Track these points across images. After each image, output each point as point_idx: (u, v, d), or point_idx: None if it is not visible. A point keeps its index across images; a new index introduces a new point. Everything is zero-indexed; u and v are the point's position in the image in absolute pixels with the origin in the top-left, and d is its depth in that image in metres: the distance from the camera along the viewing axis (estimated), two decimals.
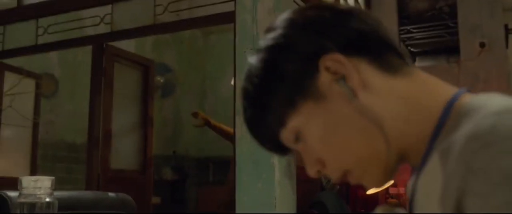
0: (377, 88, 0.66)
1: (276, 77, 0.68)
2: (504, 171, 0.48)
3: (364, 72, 0.66)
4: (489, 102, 0.57)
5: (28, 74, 4.48)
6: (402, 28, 5.28)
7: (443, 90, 0.65)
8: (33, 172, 4.57)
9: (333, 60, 0.65)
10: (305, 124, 0.68)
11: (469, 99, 0.62)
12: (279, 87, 0.67)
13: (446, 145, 0.57)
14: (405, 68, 0.68)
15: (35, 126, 4.66)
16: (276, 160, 2.92)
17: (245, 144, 2.98)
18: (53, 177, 0.94)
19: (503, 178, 0.48)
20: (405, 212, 0.69)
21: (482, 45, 4.30)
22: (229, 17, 3.24)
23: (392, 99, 0.66)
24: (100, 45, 3.91)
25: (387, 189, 4.69)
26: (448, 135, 0.58)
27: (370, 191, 4.21)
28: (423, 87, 0.67)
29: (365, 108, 0.65)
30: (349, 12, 0.70)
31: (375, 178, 0.69)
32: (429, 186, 0.60)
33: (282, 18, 0.72)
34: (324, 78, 0.66)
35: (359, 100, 0.65)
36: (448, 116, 0.61)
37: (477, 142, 0.51)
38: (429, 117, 0.63)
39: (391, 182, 4.54)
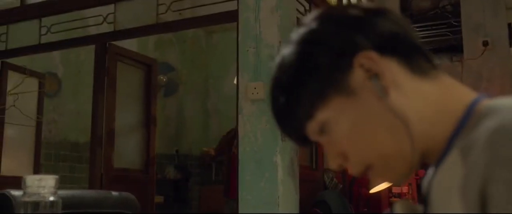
0: (406, 89, 0.67)
1: (310, 70, 0.69)
2: None
3: (395, 72, 0.68)
4: (509, 103, 0.60)
5: (31, 73, 4.49)
6: None
7: (466, 94, 0.67)
8: (37, 171, 4.58)
9: (367, 58, 0.67)
10: (333, 118, 0.69)
11: (489, 102, 0.63)
12: (311, 80, 0.68)
13: (467, 142, 0.59)
14: (433, 71, 0.70)
15: (38, 125, 4.67)
16: (279, 159, 2.92)
17: (248, 143, 2.98)
18: (57, 176, 0.94)
19: None
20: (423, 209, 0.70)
21: (485, 44, 4.29)
22: (232, 16, 3.24)
23: (419, 101, 0.67)
24: (103, 44, 3.91)
25: (389, 188, 4.69)
26: (468, 134, 0.60)
27: (373, 190, 4.21)
28: (448, 91, 0.68)
29: (394, 107, 0.66)
30: (382, 12, 0.71)
31: (397, 175, 0.71)
32: (449, 180, 0.61)
33: (316, 14, 0.73)
34: (357, 75, 0.67)
35: (390, 99, 0.66)
36: (469, 118, 0.62)
37: (503, 134, 0.53)
38: (451, 119, 0.64)
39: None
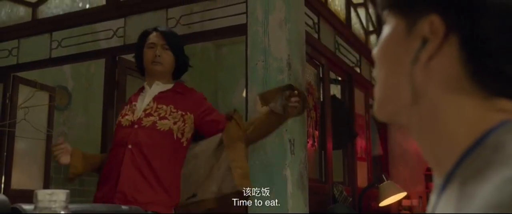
0: (440, 81, 0.60)
1: None
2: None
3: (447, 60, 0.59)
4: None
5: (42, 87, 4.53)
6: None
7: (492, 120, 0.58)
8: (47, 184, 4.60)
9: (434, 23, 0.59)
10: (388, 25, 0.66)
11: (508, 133, 0.55)
12: None
13: (469, 178, 0.54)
14: (493, 96, 0.58)
15: (49, 138, 4.69)
16: (288, 173, 2.91)
17: (257, 157, 2.98)
18: (68, 191, 0.94)
19: None
20: None
21: None
22: (241, 30, 3.26)
23: (446, 107, 0.60)
24: (113, 58, 3.94)
25: (400, 201, 4.66)
26: (472, 163, 0.56)
27: (383, 204, 4.18)
28: (481, 111, 0.59)
29: (413, 76, 0.62)
30: None
31: (376, 105, 0.68)
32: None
33: None
34: (423, 24, 0.60)
35: (414, 68, 0.61)
36: (477, 147, 0.56)
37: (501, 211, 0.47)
38: (462, 144, 0.58)
39: (404, 193, 4.48)
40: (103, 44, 4.15)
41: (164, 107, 2.46)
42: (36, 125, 4.35)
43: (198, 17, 3.81)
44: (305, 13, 3.49)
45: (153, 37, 2.61)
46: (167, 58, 2.58)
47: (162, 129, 2.41)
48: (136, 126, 2.44)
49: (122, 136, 2.46)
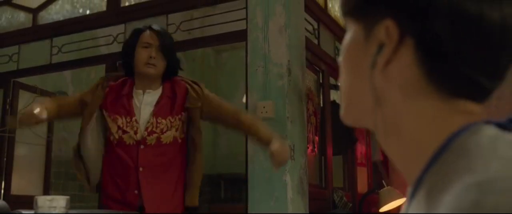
0: (399, 88, 0.60)
1: None
2: None
3: (403, 64, 0.59)
4: (486, 156, 0.51)
5: (42, 93, 4.53)
6: None
7: (456, 124, 0.58)
8: (46, 190, 4.59)
9: (389, 28, 0.59)
10: (349, 31, 0.66)
11: (467, 137, 0.55)
12: None
13: (432, 185, 0.54)
14: (457, 97, 0.58)
15: (49, 143, 4.70)
16: (288, 178, 2.91)
17: (257, 162, 2.98)
18: (68, 197, 0.95)
19: None
20: None
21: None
22: (241, 36, 3.26)
23: (404, 110, 0.60)
24: (113, 63, 3.94)
25: (400, 207, 4.65)
26: (438, 170, 0.55)
27: (383, 209, 4.18)
28: (444, 116, 0.59)
29: (372, 81, 0.61)
30: None
31: (349, 116, 0.68)
32: None
33: None
34: (379, 29, 0.61)
35: (372, 73, 0.61)
36: (442, 153, 0.55)
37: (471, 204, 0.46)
38: (429, 150, 0.57)
39: (404, 199, 4.50)
40: (104, 50, 4.16)
41: (164, 121, 2.38)
42: (36, 131, 4.35)
43: (198, 23, 3.82)
44: (305, 19, 3.50)
45: (147, 36, 2.44)
46: (160, 61, 2.42)
47: (167, 142, 2.38)
48: (142, 146, 2.36)
49: (130, 156, 2.36)
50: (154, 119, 2.38)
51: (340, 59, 0.68)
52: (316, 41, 3.82)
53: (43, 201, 0.89)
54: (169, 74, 2.48)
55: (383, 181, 4.27)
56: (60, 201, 0.90)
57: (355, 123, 0.68)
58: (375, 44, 0.61)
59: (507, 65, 0.60)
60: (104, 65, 4.02)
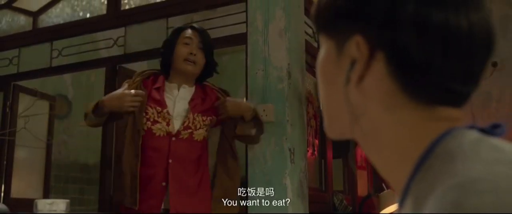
0: (376, 99, 0.60)
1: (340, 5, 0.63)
2: None
3: (378, 78, 0.59)
4: (469, 158, 0.51)
5: (42, 96, 4.54)
6: None
7: (438, 129, 0.57)
8: (46, 193, 4.59)
9: (359, 43, 0.60)
10: (322, 46, 0.67)
11: (450, 141, 0.55)
12: (341, 11, 0.63)
13: (419, 192, 0.54)
14: (434, 103, 0.59)
15: (48, 147, 4.69)
16: (288, 181, 2.91)
17: (257, 165, 2.97)
18: (68, 200, 0.95)
19: None
20: None
21: (494, 64, 4.28)
22: (240, 39, 3.27)
23: (385, 123, 0.60)
24: (113, 67, 3.95)
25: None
26: (422, 179, 0.55)
27: (383, 212, 4.17)
28: (424, 124, 0.58)
29: (347, 97, 0.62)
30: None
31: (331, 131, 0.69)
32: None
33: None
34: (350, 45, 0.61)
35: (347, 89, 0.62)
36: (427, 158, 0.55)
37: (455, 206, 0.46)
38: (412, 158, 0.57)
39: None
40: (104, 53, 4.16)
41: (199, 117, 2.40)
42: (36, 134, 4.35)
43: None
44: (305, 22, 3.50)
45: (188, 33, 2.47)
46: (200, 58, 2.45)
47: (198, 139, 2.38)
48: (173, 139, 2.35)
49: (159, 147, 2.35)
50: (192, 115, 2.39)
51: (317, 75, 0.69)
52: (316, 45, 3.82)
53: (43, 204, 0.90)
54: (205, 75, 2.52)
55: (383, 184, 4.27)
56: (60, 204, 0.91)
57: (339, 136, 0.68)
58: (347, 60, 0.62)
59: (481, 70, 0.60)
60: (104, 69, 4.02)
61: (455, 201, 0.45)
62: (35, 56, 4.33)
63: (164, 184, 2.31)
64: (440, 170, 0.52)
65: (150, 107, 2.37)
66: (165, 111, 2.37)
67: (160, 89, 2.44)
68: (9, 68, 4.39)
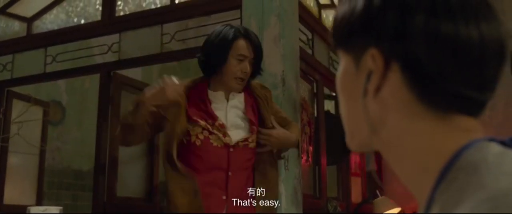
0: (394, 109, 0.62)
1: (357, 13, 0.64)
2: None
3: (394, 89, 0.61)
4: (494, 171, 0.53)
5: (36, 102, 4.52)
6: None
7: (459, 140, 0.59)
8: (39, 199, 4.57)
9: (374, 56, 0.62)
10: (341, 61, 0.69)
11: (472, 154, 0.56)
12: (356, 22, 0.64)
13: (446, 201, 0.55)
14: (450, 111, 0.60)
15: (42, 153, 4.67)
16: (282, 188, 2.91)
17: None
18: (61, 207, 0.94)
19: None
20: None
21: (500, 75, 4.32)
22: None
23: (403, 134, 0.62)
24: (108, 73, 3.94)
25: None
26: (447, 188, 0.56)
27: None
28: (444, 134, 0.60)
29: (366, 109, 0.64)
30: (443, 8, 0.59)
31: (351, 144, 0.70)
32: None
33: None
34: (366, 59, 0.63)
35: (365, 101, 0.64)
36: (449, 170, 0.57)
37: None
38: (435, 169, 0.58)
39: (398, 209, 4.48)
40: (98, 59, 4.16)
41: (253, 126, 2.26)
42: (30, 140, 4.33)
43: (193, 33, 3.83)
44: (299, 29, 3.51)
45: (243, 48, 2.22)
46: (249, 72, 2.24)
47: (252, 146, 2.25)
48: (231, 149, 2.20)
49: (218, 159, 2.19)
50: (251, 127, 2.26)
51: (336, 90, 0.71)
52: (310, 51, 3.83)
53: (36, 211, 0.89)
54: (250, 78, 2.32)
55: (377, 191, 4.28)
56: (53, 211, 0.90)
57: (360, 148, 0.70)
58: (365, 74, 0.63)
59: (496, 77, 0.62)
60: (98, 75, 4.02)
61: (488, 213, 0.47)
62: (29, 62, 4.32)
63: (224, 197, 2.17)
64: (466, 182, 0.53)
65: (202, 120, 2.19)
66: (216, 123, 2.20)
67: (206, 101, 2.25)
68: (3, 74, 4.38)
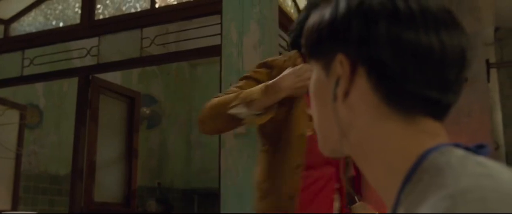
0: (361, 116, 0.64)
1: (328, 23, 0.67)
2: None
3: (361, 93, 0.64)
4: (457, 173, 0.54)
5: (13, 105, 4.46)
6: None
7: (425, 143, 0.61)
8: (15, 204, 4.50)
9: (342, 62, 0.64)
10: (314, 69, 0.71)
11: (436, 157, 0.58)
12: (326, 33, 0.67)
13: (410, 203, 0.57)
14: (416, 113, 0.62)
15: (18, 157, 4.61)
16: None
17: (230, 177, 2.97)
18: (37, 213, 0.93)
19: None
20: None
21: (465, 80, 4.38)
22: (215, 51, 3.27)
23: (370, 135, 0.64)
24: (86, 77, 3.91)
25: None
26: (413, 189, 0.58)
27: None
28: (411, 137, 0.62)
29: (336, 113, 0.66)
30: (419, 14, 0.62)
31: (323, 149, 0.73)
32: None
33: None
34: (335, 65, 0.66)
35: (335, 105, 0.66)
36: (414, 172, 0.59)
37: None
38: (401, 171, 0.60)
39: None
40: (77, 63, 4.13)
41: None
42: (6, 144, 4.27)
43: (174, 37, 3.82)
44: (280, 35, 3.53)
45: None
46: None
47: None
48: None
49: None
50: None
51: (310, 99, 0.73)
52: None
53: None
54: None
55: (355, 197, 4.30)
56: None
57: (333, 153, 0.72)
58: (334, 80, 0.66)
59: (457, 80, 0.65)
60: (77, 78, 3.98)
61: (448, 208, 0.49)
62: (6, 65, 4.27)
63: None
64: (430, 183, 0.56)
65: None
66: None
67: None
68: None
